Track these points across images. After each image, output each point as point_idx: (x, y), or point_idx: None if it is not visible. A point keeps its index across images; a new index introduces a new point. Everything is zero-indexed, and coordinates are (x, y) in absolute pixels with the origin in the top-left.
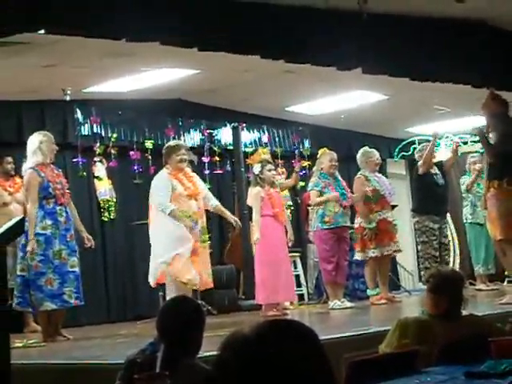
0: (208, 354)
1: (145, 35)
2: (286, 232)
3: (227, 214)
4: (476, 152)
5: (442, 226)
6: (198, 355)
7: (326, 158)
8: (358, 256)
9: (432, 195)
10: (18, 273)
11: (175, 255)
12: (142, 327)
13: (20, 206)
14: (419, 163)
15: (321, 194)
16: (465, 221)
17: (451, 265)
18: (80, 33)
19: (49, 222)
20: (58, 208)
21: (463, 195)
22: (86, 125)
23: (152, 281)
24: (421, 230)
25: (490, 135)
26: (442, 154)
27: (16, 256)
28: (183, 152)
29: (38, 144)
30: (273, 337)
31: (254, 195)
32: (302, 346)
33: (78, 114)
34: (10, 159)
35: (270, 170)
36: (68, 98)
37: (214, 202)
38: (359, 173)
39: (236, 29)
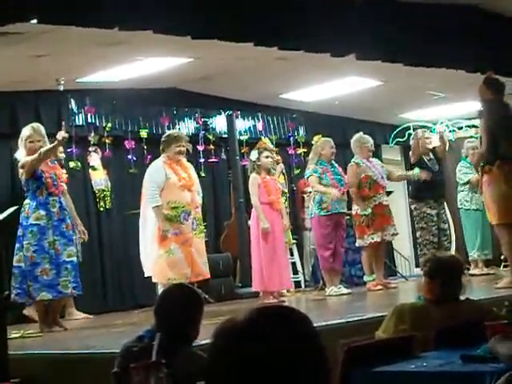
0: (204, 342)
1: (137, 24)
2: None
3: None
4: (471, 137)
5: (441, 212)
6: (196, 343)
7: (327, 144)
8: (357, 243)
9: (427, 182)
10: (15, 264)
11: (158, 254)
12: (140, 316)
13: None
14: (410, 153)
15: (320, 179)
16: (460, 206)
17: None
18: (72, 22)
19: (42, 213)
20: (51, 199)
21: (458, 181)
22: (81, 115)
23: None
24: (419, 217)
25: (479, 121)
26: (436, 140)
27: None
28: (183, 144)
29: (20, 138)
30: (265, 323)
31: (250, 181)
32: (294, 332)
33: (72, 104)
34: (61, 148)
35: (267, 157)
36: (62, 88)
37: (199, 199)
38: (352, 160)
39: (229, 16)
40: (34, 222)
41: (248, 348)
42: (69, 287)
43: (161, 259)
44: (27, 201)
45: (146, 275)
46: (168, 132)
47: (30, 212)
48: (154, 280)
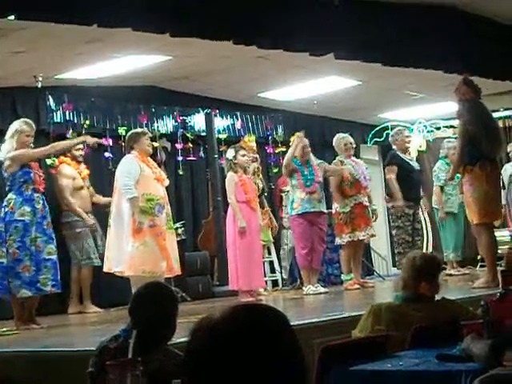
0: (181, 340)
1: (116, 21)
2: None
3: None
4: (449, 137)
5: (416, 212)
6: (172, 341)
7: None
8: (336, 241)
9: (407, 181)
10: None
11: (135, 248)
12: (116, 314)
13: (88, 191)
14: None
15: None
16: (435, 207)
17: (424, 250)
18: (51, 19)
19: (27, 209)
20: (35, 195)
21: (435, 181)
22: (59, 112)
23: (120, 269)
24: (396, 215)
25: (457, 121)
26: (415, 140)
27: (96, 238)
28: (148, 137)
29: (13, 131)
30: (240, 321)
31: (227, 180)
32: (270, 330)
33: (50, 101)
34: (80, 145)
35: (243, 156)
36: (40, 85)
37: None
38: (337, 158)
39: (208, 15)
40: (19, 218)
41: (223, 346)
42: (48, 285)
43: (136, 251)
44: (11, 195)
45: (105, 270)
46: (132, 131)
47: (14, 207)
48: (128, 273)
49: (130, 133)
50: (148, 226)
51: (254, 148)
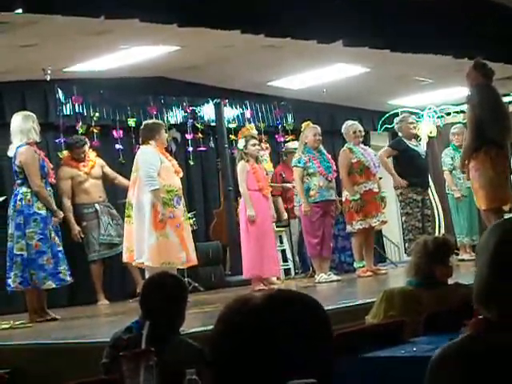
0: (195, 330)
1: (123, 12)
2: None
3: None
4: (459, 123)
5: (425, 198)
6: (186, 331)
7: (311, 132)
8: (347, 229)
9: (413, 167)
10: (17, 252)
11: (156, 239)
12: (132, 306)
13: (98, 180)
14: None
15: (304, 169)
16: (448, 192)
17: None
18: (58, 11)
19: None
20: (48, 189)
21: (443, 167)
22: (68, 104)
23: (141, 261)
24: (405, 202)
25: (467, 106)
26: (425, 126)
27: (99, 228)
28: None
29: (31, 124)
30: (282, 306)
31: (239, 169)
32: (309, 317)
33: (60, 94)
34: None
35: (254, 145)
36: (48, 78)
37: None
38: (345, 145)
39: (215, 4)
40: (38, 211)
41: (263, 329)
42: (67, 275)
43: (157, 243)
44: (25, 189)
45: (125, 260)
46: (149, 121)
47: (32, 200)
48: (148, 264)
49: (149, 123)
50: (168, 217)
51: (256, 136)
